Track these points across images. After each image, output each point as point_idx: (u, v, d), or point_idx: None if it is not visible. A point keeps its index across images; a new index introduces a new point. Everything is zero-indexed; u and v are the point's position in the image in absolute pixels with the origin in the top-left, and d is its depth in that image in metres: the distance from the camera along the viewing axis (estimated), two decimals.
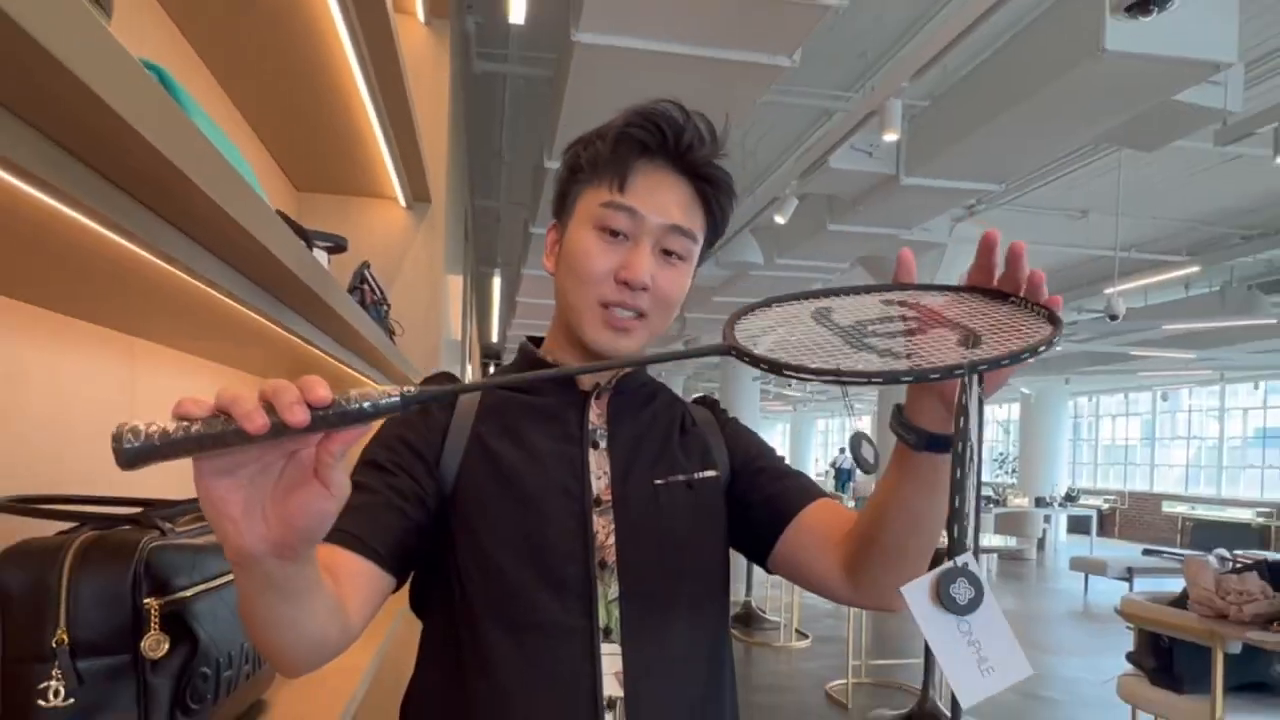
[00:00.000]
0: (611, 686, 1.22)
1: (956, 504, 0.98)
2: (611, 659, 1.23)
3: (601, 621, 1.25)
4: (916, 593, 1.00)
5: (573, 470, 1.31)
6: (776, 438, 40.32)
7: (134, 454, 0.73)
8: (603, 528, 1.29)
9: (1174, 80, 5.85)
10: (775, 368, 0.95)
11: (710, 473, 1.43)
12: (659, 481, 1.34)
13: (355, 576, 1.18)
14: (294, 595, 0.94)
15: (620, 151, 1.29)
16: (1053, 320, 0.96)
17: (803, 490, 1.42)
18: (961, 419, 0.95)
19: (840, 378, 0.93)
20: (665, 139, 1.29)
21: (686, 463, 1.39)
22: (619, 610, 1.26)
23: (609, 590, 1.27)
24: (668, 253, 1.30)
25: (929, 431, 1.09)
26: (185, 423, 0.74)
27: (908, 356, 0.92)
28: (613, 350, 1.32)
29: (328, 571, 1.12)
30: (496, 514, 1.27)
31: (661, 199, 1.29)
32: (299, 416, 0.73)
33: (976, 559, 0.99)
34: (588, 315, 1.31)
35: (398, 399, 0.83)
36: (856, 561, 1.27)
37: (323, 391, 0.76)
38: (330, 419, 0.78)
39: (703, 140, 1.31)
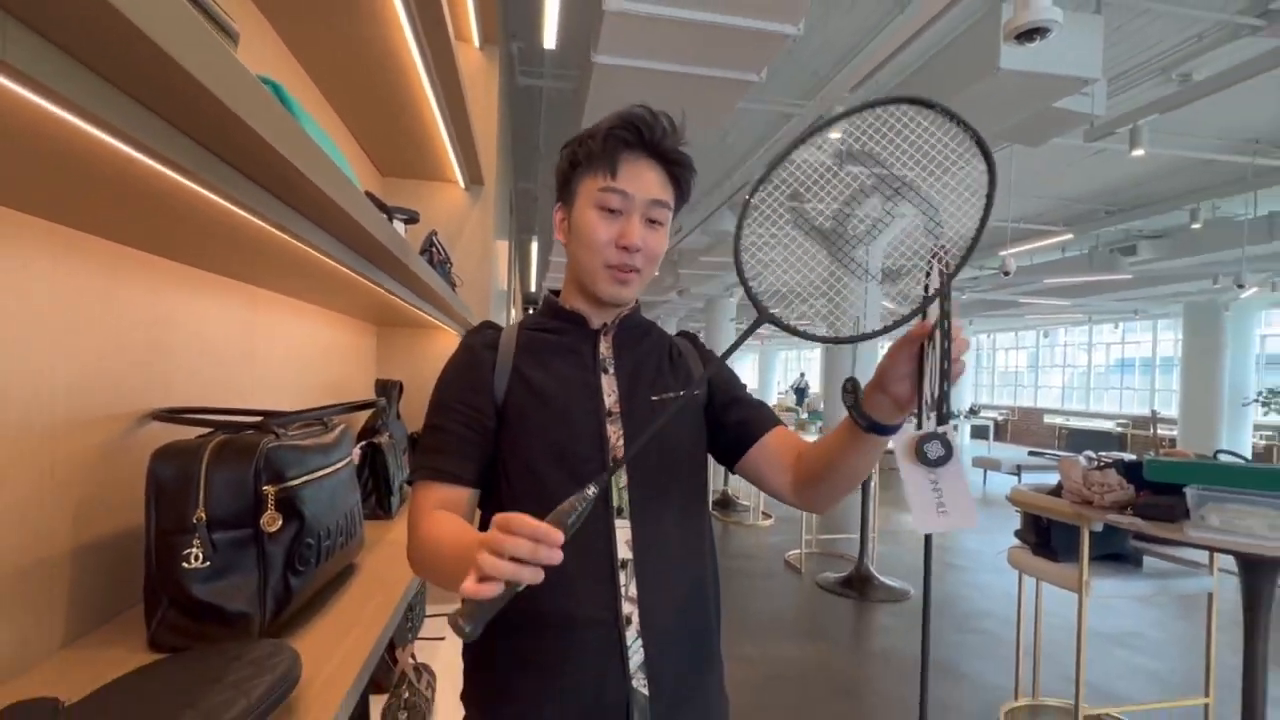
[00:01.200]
0: (623, 551, 1.30)
1: (940, 388, 1.06)
2: (622, 531, 1.30)
3: (615, 504, 1.31)
4: (901, 445, 1.10)
5: (589, 391, 1.36)
6: (748, 367, 40.34)
7: (472, 631, 0.86)
8: (614, 433, 1.33)
9: (1052, 92, 5.82)
10: (806, 336, 1.17)
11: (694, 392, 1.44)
12: (655, 398, 1.38)
13: (462, 504, 1.30)
14: None
15: (609, 147, 1.34)
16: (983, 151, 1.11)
17: (765, 419, 1.50)
18: (944, 325, 1.07)
19: (856, 339, 1.19)
20: (642, 135, 1.33)
21: (675, 384, 1.43)
22: (627, 495, 1.32)
23: (619, 480, 1.33)
24: (652, 221, 1.35)
25: (878, 422, 1.18)
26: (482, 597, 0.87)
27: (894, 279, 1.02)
28: (618, 298, 1.38)
29: (447, 507, 1.26)
30: (534, 426, 1.32)
31: (643, 181, 1.33)
32: (557, 559, 0.92)
33: (955, 430, 1.03)
34: (598, 274, 1.36)
35: (589, 495, 1.02)
36: (803, 485, 1.40)
37: (558, 535, 0.93)
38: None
39: (667, 133, 1.35)
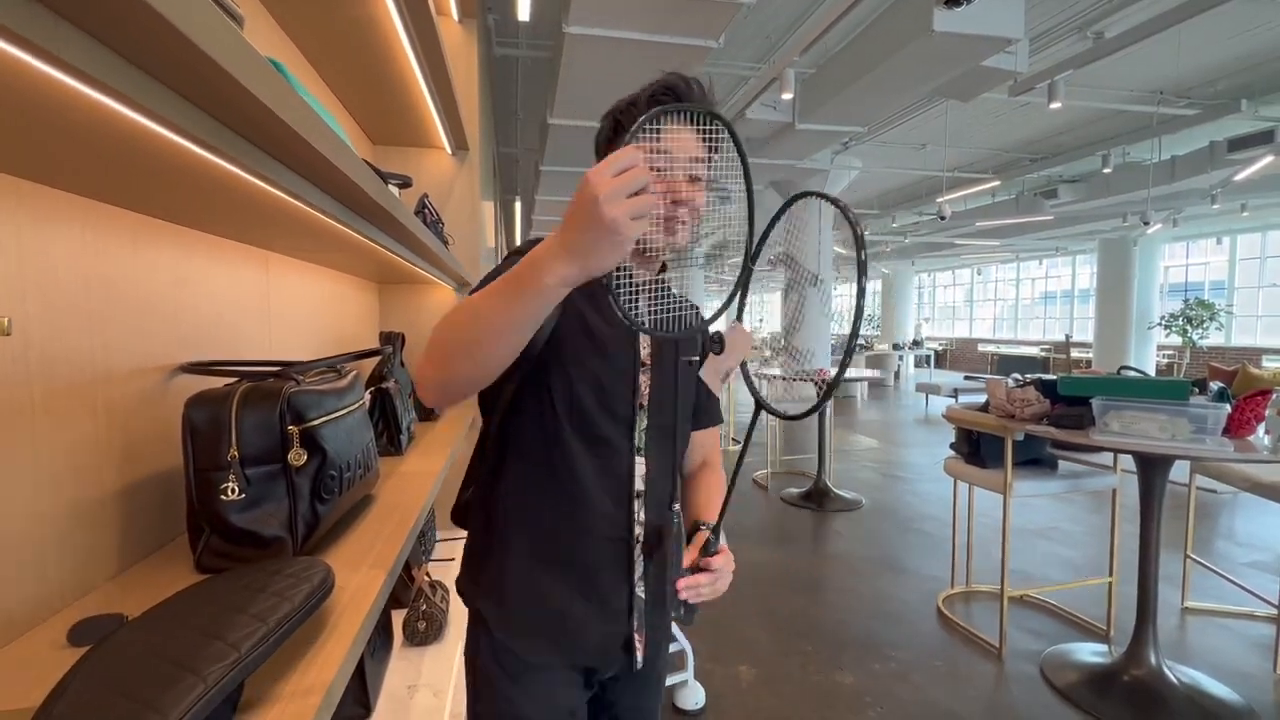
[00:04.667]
0: (639, 483, 1.36)
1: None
2: (640, 466, 1.36)
3: (637, 443, 1.36)
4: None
5: (630, 340, 1.37)
6: (714, 308, 40.19)
7: None
8: (644, 382, 1.37)
9: (981, 50, 5.82)
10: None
11: (699, 359, 1.54)
12: (685, 359, 1.43)
13: None
14: (534, 329, 1.02)
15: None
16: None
17: (714, 415, 1.65)
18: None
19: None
20: (679, 99, 1.32)
21: (692, 349, 1.46)
22: (646, 435, 1.37)
23: (642, 422, 1.37)
24: (693, 178, 1.32)
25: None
26: None
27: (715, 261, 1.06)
28: (671, 246, 1.35)
29: None
30: (581, 359, 1.32)
31: (683, 142, 1.31)
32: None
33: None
34: (649, 227, 1.34)
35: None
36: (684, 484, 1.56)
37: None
38: None
39: (699, 96, 1.33)
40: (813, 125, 8.31)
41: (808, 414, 1.23)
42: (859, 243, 1.01)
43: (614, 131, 1.38)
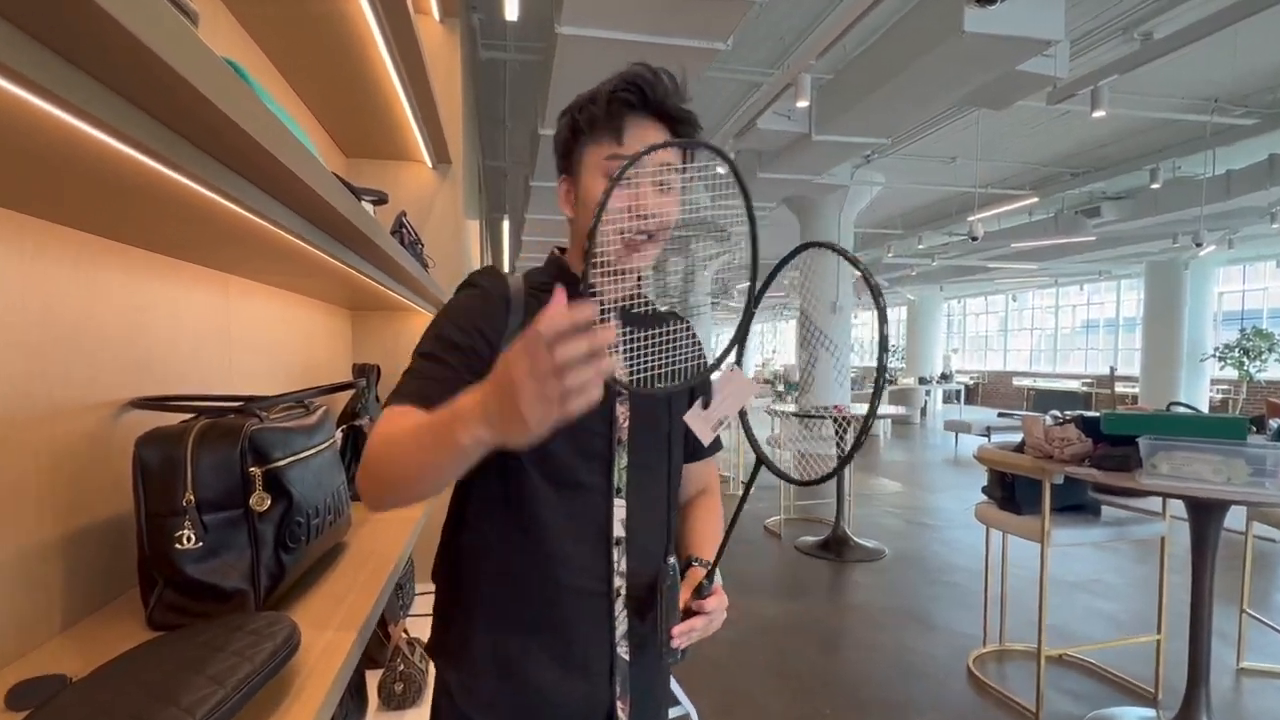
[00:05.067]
0: (618, 530, 1.33)
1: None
2: (619, 509, 1.33)
3: (616, 484, 1.33)
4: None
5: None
6: (723, 340, 40.19)
7: None
8: (622, 414, 1.35)
9: (1016, 54, 5.87)
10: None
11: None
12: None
13: None
14: (460, 473, 1.04)
15: (613, 111, 1.29)
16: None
17: (714, 445, 1.58)
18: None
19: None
20: (645, 95, 1.29)
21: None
22: (627, 475, 1.34)
23: (621, 460, 1.34)
24: (662, 184, 1.29)
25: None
26: None
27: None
28: (634, 266, 1.32)
29: None
30: None
31: (650, 144, 1.24)
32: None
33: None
34: (613, 246, 1.28)
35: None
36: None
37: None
38: None
39: (670, 91, 1.31)
40: (831, 136, 8.38)
41: (824, 480, 1.24)
42: (881, 315, 1.03)
43: (571, 134, 1.36)
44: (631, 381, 1.14)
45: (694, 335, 1.39)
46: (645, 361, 1.16)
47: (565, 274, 1.40)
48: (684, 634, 1.28)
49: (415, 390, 1.19)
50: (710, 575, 1.35)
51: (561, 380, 0.81)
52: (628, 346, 1.15)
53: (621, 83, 1.29)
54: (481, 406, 0.90)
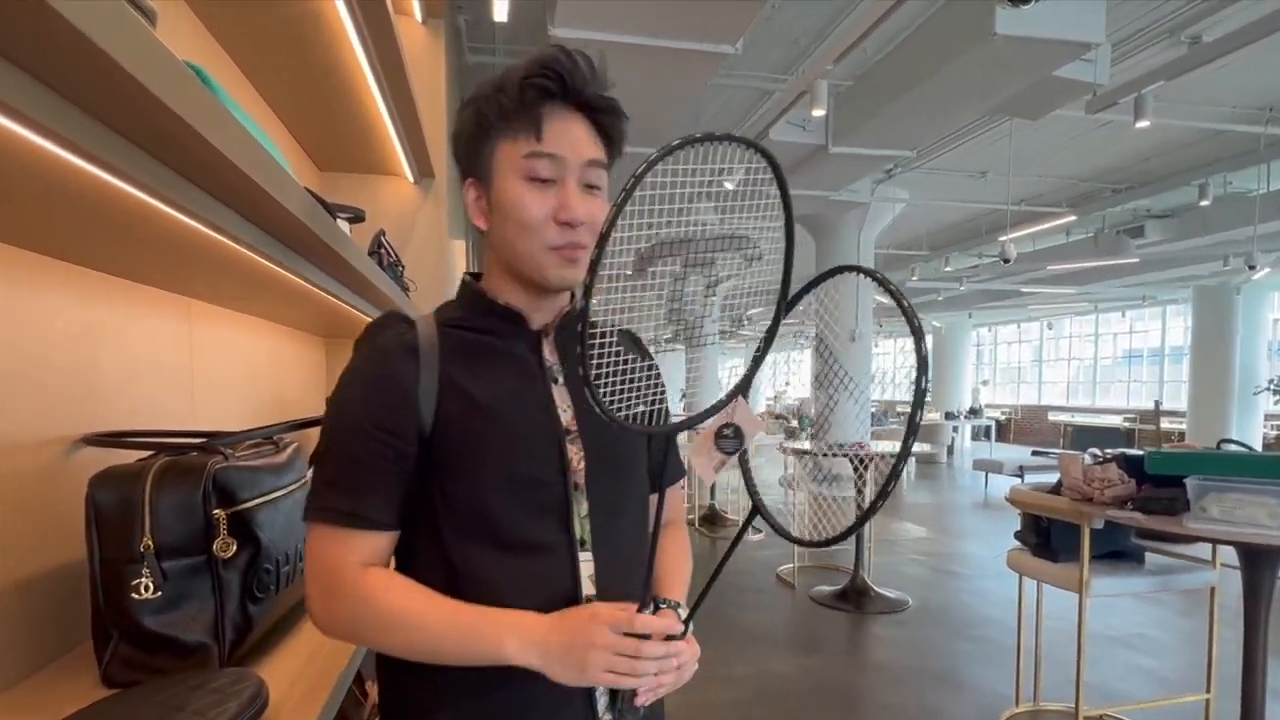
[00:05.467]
0: (587, 588, 1.24)
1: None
2: (586, 565, 1.25)
3: (577, 535, 1.25)
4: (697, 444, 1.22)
5: (542, 405, 1.27)
6: (724, 374, 40.28)
7: None
8: (575, 454, 1.27)
9: (1053, 58, 5.90)
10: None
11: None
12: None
13: (386, 553, 1.21)
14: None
15: (527, 101, 1.21)
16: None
17: (678, 472, 1.56)
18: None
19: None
20: (564, 82, 1.21)
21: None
22: (590, 524, 1.27)
23: (581, 508, 1.26)
24: (589, 186, 1.25)
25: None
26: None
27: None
28: (569, 280, 1.26)
29: (374, 560, 1.17)
30: (480, 449, 1.21)
31: (574, 138, 1.23)
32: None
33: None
34: (541, 259, 1.24)
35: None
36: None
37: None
38: None
39: (589, 77, 1.23)
40: (849, 149, 8.42)
41: (837, 540, 1.22)
42: (916, 336, 1.03)
43: (478, 129, 1.26)
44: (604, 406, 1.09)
45: (653, 365, 1.38)
46: (613, 391, 1.13)
47: (492, 310, 1.32)
48: (650, 690, 1.17)
49: (342, 507, 1.15)
50: (688, 620, 1.25)
51: (631, 665, 0.99)
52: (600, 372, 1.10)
53: (536, 67, 1.21)
54: (543, 643, 1.02)
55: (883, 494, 1.12)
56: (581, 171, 1.23)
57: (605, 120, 1.27)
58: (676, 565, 1.47)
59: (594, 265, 0.99)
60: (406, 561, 1.26)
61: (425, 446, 1.20)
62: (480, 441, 1.21)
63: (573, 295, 1.37)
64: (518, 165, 1.23)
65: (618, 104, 1.29)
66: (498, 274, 1.33)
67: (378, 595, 1.11)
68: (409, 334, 1.25)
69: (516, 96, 1.21)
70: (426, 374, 1.21)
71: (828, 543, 1.20)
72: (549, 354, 1.33)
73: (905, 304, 1.11)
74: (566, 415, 1.29)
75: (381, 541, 1.19)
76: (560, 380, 1.32)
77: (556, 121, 1.22)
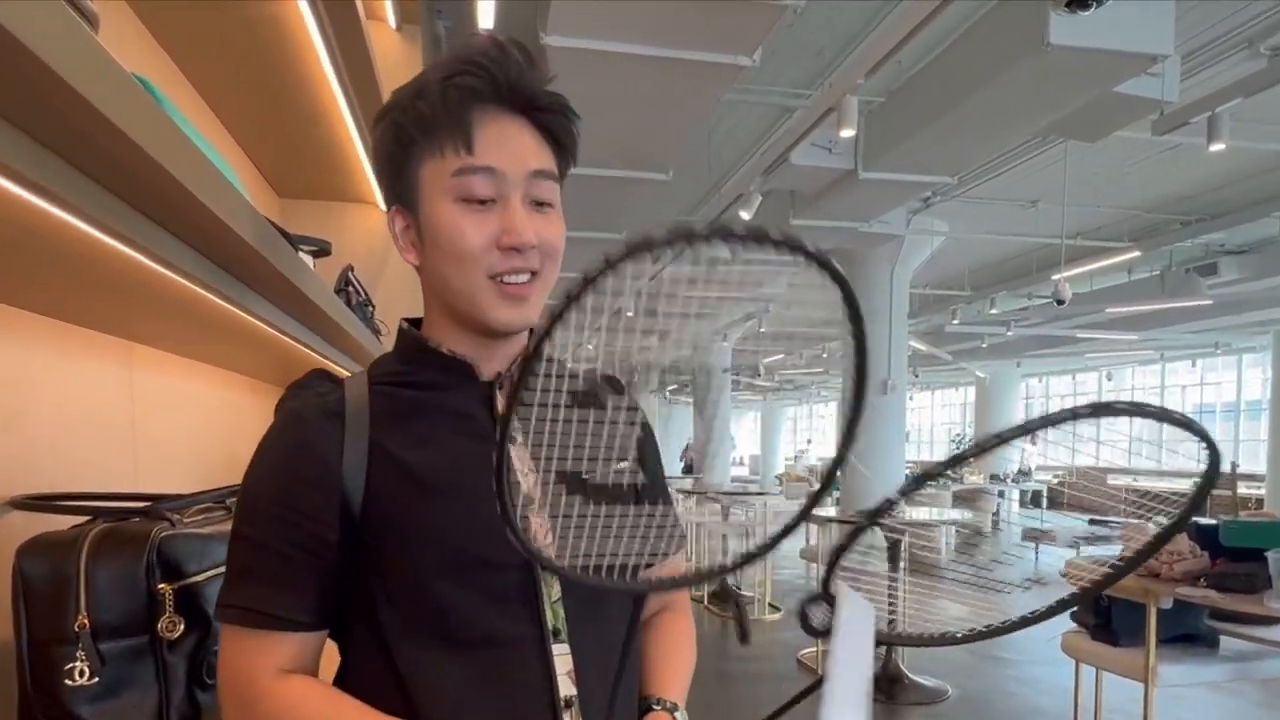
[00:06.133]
0: (566, 685, 1.17)
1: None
2: (562, 659, 1.18)
3: (549, 624, 1.17)
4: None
5: (491, 470, 1.09)
6: (747, 425, 40.58)
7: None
8: (539, 528, 1.18)
9: (1114, 72, 5.93)
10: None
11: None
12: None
13: (310, 656, 1.17)
14: None
15: (451, 106, 1.14)
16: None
17: (678, 541, 1.40)
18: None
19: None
20: (495, 79, 1.15)
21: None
22: (564, 609, 1.20)
23: (552, 592, 1.19)
24: (538, 203, 1.19)
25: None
26: None
27: None
28: (516, 322, 1.20)
29: (295, 665, 1.14)
30: (421, 530, 1.14)
31: (514, 147, 1.17)
32: None
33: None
34: (482, 294, 1.18)
35: None
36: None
37: None
38: None
39: (525, 67, 1.17)
40: (882, 174, 8.45)
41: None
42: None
43: (398, 145, 1.20)
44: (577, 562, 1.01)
45: (636, 416, 1.28)
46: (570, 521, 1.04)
47: (433, 359, 1.27)
48: None
49: (255, 606, 1.11)
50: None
51: None
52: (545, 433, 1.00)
53: (459, 65, 1.15)
54: None
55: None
56: (526, 185, 1.18)
57: (551, 121, 1.22)
58: (674, 656, 1.41)
59: (551, 325, 0.78)
60: (344, 668, 1.22)
61: (355, 530, 1.15)
62: (422, 519, 1.15)
63: (531, 333, 1.28)
64: (447, 185, 1.17)
65: (564, 100, 1.24)
66: (437, 316, 1.29)
67: (295, 709, 1.07)
68: (331, 395, 1.22)
69: (438, 101, 1.15)
70: (353, 442, 1.16)
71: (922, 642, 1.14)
72: (503, 408, 1.18)
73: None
74: (529, 480, 1.22)
75: (301, 645, 1.15)
76: (519, 439, 1.17)
77: (490, 127, 1.16)
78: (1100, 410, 1.01)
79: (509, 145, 1.16)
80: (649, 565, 1.09)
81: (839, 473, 1.01)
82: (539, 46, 1.20)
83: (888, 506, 1.05)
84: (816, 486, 1.07)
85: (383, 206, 3.12)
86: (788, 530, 1.05)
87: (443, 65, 1.16)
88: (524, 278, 1.19)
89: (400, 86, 1.20)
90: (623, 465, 1.17)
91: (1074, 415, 1.02)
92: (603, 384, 1.33)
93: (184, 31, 1.90)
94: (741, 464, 35.88)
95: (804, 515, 1.05)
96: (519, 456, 1.22)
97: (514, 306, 1.19)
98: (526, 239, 1.15)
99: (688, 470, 19.77)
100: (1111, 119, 6.86)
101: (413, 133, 1.17)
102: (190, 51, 1.99)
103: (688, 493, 13.22)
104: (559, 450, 1.01)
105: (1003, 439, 0.96)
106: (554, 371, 0.89)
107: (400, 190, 1.23)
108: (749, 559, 1.07)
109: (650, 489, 1.35)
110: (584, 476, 1.06)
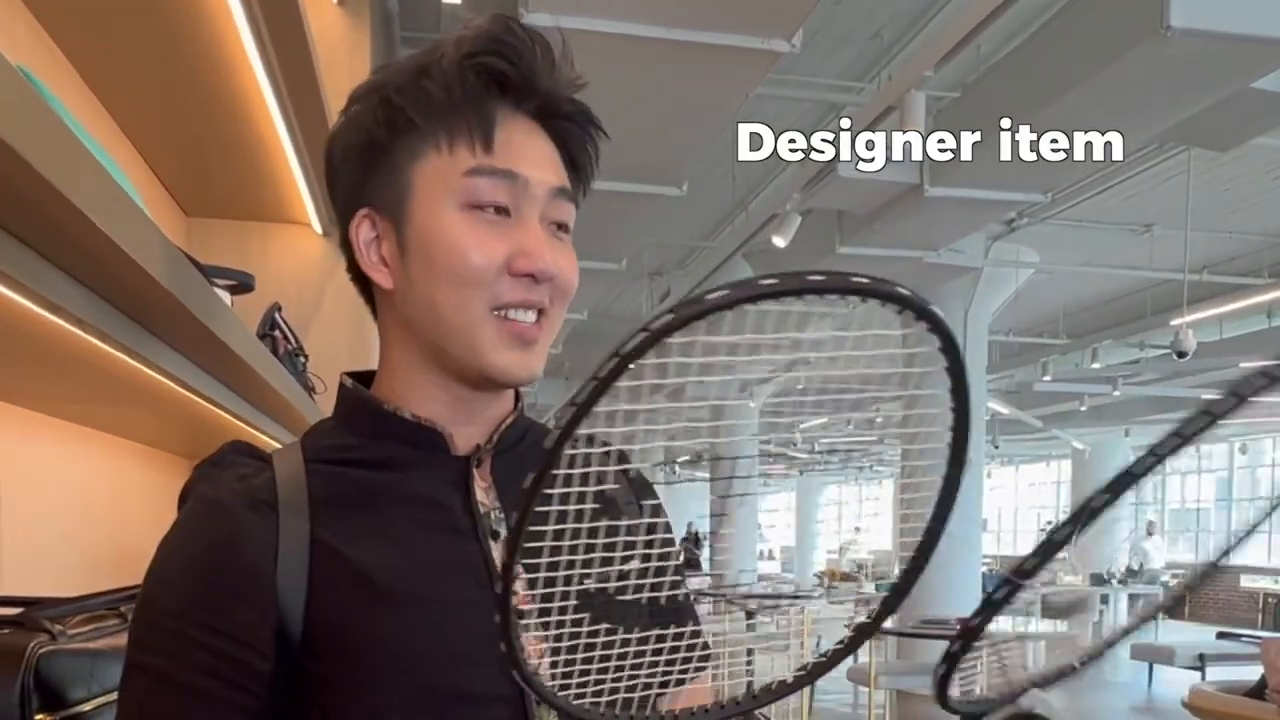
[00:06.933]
0: None
1: None
2: None
3: None
4: None
5: (476, 578, 1.13)
6: (780, 504, 40.54)
7: None
8: (534, 648, 1.00)
9: (1251, 64, 5.94)
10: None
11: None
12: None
13: None
14: None
15: (471, 91, 1.10)
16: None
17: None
18: None
19: None
20: (521, 71, 1.12)
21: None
22: None
23: (547, 718, 1.13)
24: (558, 226, 1.16)
25: None
26: None
27: None
28: (520, 373, 1.15)
29: None
30: (380, 653, 1.09)
31: (537, 154, 1.14)
32: None
33: None
34: (481, 331, 1.12)
35: None
36: None
37: None
38: None
39: (556, 63, 1.14)
40: (954, 190, 8.45)
41: None
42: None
43: (387, 130, 1.14)
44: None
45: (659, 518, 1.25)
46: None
47: (392, 426, 1.21)
48: None
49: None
50: None
51: None
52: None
53: (485, 43, 1.11)
54: None
55: None
56: (547, 204, 1.14)
57: (570, 135, 1.21)
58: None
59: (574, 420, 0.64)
60: None
61: (293, 656, 1.08)
62: (381, 640, 1.09)
63: (517, 395, 1.28)
64: (453, 186, 1.12)
65: (590, 112, 1.21)
66: (404, 366, 1.23)
67: None
68: (258, 478, 1.14)
69: (455, 82, 1.11)
70: (290, 540, 1.09)
71: None
72: (483, 493, 1.21)
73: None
74: (519, 589, 1.17)
75: None
76: (503, 532, 1.15)
77: (510, 126, 1.13)
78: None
79: (531, 152, 1.14)
80: (661, 694, 1.02)
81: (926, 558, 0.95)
82: (557, 42, 1.14)
83: (1011, 590, 0.97)
84: (873, 587, 1.05)
85: (318, 228, 3.13)
86: (854, 646, 0.99)
87: (466, 40, 1.11)
88: (532, 316, 1.14)
89: (387, 64, 1.17)
90: (642, 578, 1.13)
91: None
92: (623, 489, 1.27)
93: (76, 17, 1.88)
94: (771, 557, 35.72)
95: (876, 625, 1.00)
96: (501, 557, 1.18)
97: (519, 350, 1.14)
98: (547, 265, 1.11)
99: (688, 564, 19.69)
100: (1246, 123, 6.89)
101: (413, 117, 1.12)
102: (77, 31, 1.96)
103: (699, 594, 13.11)
104: (564, 555, 0.97)
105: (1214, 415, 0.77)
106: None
107: (376, 188, 1.18)
108: (790, 687, 1.02)
109: (672, 603, 1.32)
110: (593, 589, 1.02)
